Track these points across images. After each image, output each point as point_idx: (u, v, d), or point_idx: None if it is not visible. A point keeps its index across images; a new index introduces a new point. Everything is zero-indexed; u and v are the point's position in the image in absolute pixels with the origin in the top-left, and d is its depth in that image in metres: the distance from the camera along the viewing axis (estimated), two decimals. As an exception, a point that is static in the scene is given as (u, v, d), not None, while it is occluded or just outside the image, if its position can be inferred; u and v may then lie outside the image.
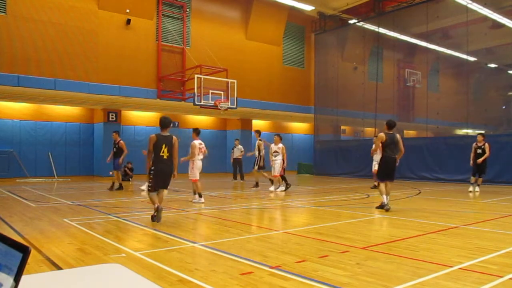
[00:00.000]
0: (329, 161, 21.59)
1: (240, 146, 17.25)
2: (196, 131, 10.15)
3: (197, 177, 9.69)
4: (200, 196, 9.55)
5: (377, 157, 10.28)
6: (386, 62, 21.50)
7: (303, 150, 25.66)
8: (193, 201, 9.62)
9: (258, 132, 14.25)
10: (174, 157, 7.05)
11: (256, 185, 13.64)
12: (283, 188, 12.52)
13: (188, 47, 18.40)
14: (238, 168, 17.31)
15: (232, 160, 17.82)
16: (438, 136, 18.55)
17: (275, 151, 12.31)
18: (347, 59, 22.35)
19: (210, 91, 15.28)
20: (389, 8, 19.78)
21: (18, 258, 0.91)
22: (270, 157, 12.76)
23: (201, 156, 9.96)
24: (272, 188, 12.56)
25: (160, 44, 17.63)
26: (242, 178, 17.10)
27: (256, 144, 13.93)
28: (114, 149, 12.97)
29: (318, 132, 22.81)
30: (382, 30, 20.15)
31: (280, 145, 12.37)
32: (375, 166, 11.75)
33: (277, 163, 12.38)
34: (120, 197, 11.09)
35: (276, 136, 12.65)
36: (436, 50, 19.53)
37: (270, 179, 12.97)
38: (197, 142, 9.84)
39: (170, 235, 5.73)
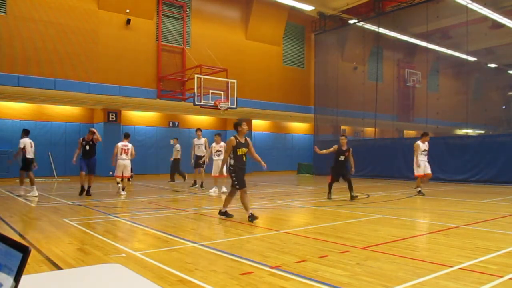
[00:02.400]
0: (329, 161, 21.56)
1: (177, 145, 16.27)
2: (125, 134, 12.35)
3: (119, 174, 11.91)
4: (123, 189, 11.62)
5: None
6: (386, 62, 21.50)
7: (303, 150, 25.66)
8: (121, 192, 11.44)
9: (200, 130, 13.70)
10: (254, 155, 7.31)
11: (194, 183, 13.98)
12: (218, 190, 12.41)
13: (188, 47, 18.40)
14: (175, 169, 16.26)
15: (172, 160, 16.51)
16: (438, 136, 18.54)
17: (218, 150, 12.06)
18: (347, 59, 22.35)
19: (210, 91, 15.28)
20: (389, 8, 19.77)
21: (18, 258, 0.91)
22: (203, 156, 13.10)
23: (124, 156, 11.84)
24: (213, 190, 12.33)
25: (160, 44, 17.63)
26: (184, 178, 16.10)
27: (203, 142, 13.30)
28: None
29: (318, 132, 22.80)
30: (382, 30, 20.15)
31: (222, 143, 12.13)
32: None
33: (220, 162, 12.20)
34: (120, 197, 11.09)
35: (216, 135, 12.57)
36: (436, 50, 19.53)
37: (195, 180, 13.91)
38: (120, 144, 11.88)
39: (170, 235, 5.73)
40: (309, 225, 6.76)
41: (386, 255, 4.54)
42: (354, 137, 23.81)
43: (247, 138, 7.27)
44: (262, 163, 7.33)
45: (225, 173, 10.62)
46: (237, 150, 7.01)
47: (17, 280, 0.89)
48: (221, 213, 7.30)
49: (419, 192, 11.05)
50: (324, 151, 11.27)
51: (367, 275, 3.74)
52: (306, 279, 3.62)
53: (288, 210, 8.87)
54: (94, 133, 11.12)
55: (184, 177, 16.22)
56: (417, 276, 3.72)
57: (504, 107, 20.22)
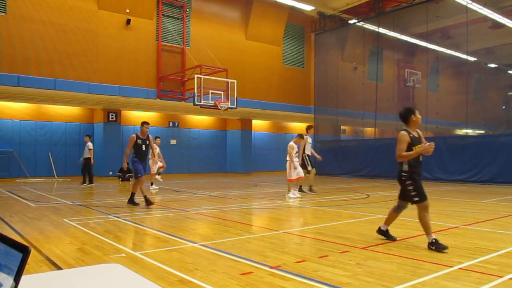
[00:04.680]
0: (329, 161, 21.57)
1: (89, 144, 14.79)
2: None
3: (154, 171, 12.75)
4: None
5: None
6: (386, 62, 21.50)
7: (303, 150, 25.63)
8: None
9: (310, 127, 13.09)
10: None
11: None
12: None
13: (188, 47, 18.40)
14: (87, 170, 14.72)
15: (83, 160, 14.93)
16: (437, 136, 18.54)
17: (298, 151, 11.93)
18: (347, 59, 22.35)
19: (210, 91, 15.27)
20: (389, 8, 19.77)
21: (18, 258, 0.91)
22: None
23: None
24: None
25: (160, 44, 17.63)
26: (91, 182, 14.70)
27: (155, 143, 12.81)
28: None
29: (318, 132, 22.78)
30: (382, 30, 20.15)
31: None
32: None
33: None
34: (120, 197, 11.09)
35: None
36: (436, 50, 19.53)
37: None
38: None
39: (170, 235, 5.73)
40: (309, 225, 6.76)
41: (386, 255, 4.54)
42: (354, 137, 23.84)
43: (419, 132, 5.42)
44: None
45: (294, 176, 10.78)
46: (412, 148, 5.14)
47: (17, 280, 0.89)
48: (380, 232, 5.50)
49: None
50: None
51: (367, 275, 3.74)
52: (306, 279, 3.62)
53: (288, 210, 8.86)
54: (148, 126, 9.51)
55: (90, 181, 14.59)
56: (417, 276, 3.72)
57: (504, 107, 20.22)
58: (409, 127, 5.30)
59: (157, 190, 12.77)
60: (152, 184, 12.97)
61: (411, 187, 5.11)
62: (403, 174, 5.20)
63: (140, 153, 9.14)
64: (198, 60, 17.08)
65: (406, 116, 5.37)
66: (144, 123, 9.44)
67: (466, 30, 17.04)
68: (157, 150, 12.99)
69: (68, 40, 15.38)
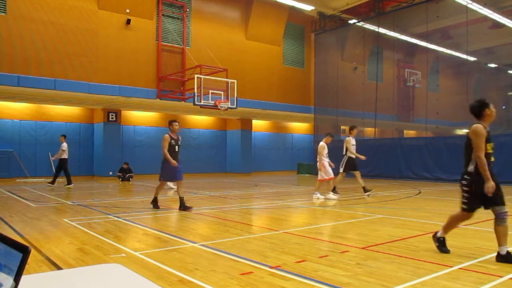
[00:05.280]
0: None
1: (64, 144, 14.17)
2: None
3: None
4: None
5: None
6: (386, 62, 21.50)
7: (303, 150, 25.66)
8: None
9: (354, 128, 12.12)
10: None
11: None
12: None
13: (188, 47, 18.40)
14: (60, 170, 14.29)
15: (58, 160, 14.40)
16: (437, 136, 18.55)
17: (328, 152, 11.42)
18: (347, 59, 22.35)
19: (210, 91, 15.27)
20: (389, 8, 19.77)
21: (18, 258, 0.91)
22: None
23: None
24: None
25: (160, 44, 17.63)
26: (56, 181, 14.45)
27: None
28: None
29: (318, 132, 22.78)
30: (382, 30, 20.15)
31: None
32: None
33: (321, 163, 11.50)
34: (120, 197, 11.09)
35: (328, 135, 11.59)
36: (436, 50, 19.53)
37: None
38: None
39: (170, 235, 5.73)
40: (309, 225, 6.76)
41: (386, 255, 4.54)
42: (354, 137, 23.80)
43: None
44: None
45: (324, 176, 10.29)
46: (487, 145, 4.46)
47: (17, 280, 0.89)
48: (436, 240, 4.73)
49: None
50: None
51: (367, 275, 3.74)
52: (306, 279, 3.62)
53: (288, 210, 8.86)
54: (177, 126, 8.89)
55: (54, 180, 14.28)
56: (417, 276, 3.72)
57: (504, 107, 20.21)
58: (484, 120, 4.55)
59: (174, 190, 12.82)
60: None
61: (467, 192, 4.48)
62: (465, 177, 4.51)
63: (174, 155, 8.52)
64: (198, 60, 17.08)
65: (479, 110, 4.57)
66: (173, 122, 8.74)
67: (466, 30, 17.04)
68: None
69: (68, 40, 15.39)
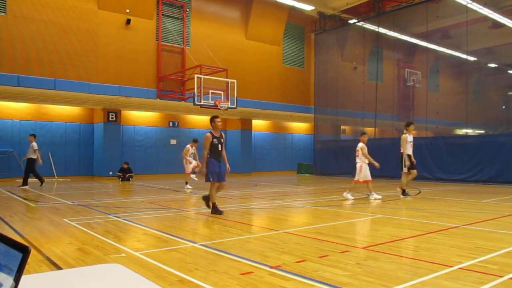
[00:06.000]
0: (329, 161, 21.60)
1: (34, 144, 13.94)
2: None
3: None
4: None
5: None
6: (386, 62, 21.50)
7: (303, 150, 25.67)
8: None
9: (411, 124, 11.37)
10: None
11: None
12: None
13: (188, 47, 18.40)
14: (31, 170, 14.02)
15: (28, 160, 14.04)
16: (437, 136, 18.55)
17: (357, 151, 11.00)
18: (347, 59, 22.35)
19: (210, 91, 15.27)
20: (389, 8, 19.77)
21: (18, 258, 0.91)
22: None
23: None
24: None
25: (160, 44, 17.63)
26: (41, 181, 14.32)
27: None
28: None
29: (318, 132, 22.81)
30: (382, 30, 20.14)
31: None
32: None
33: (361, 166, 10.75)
34: (120, 197, 11.10)
35: (362, 134, 11.06)
36: (436, 50, 19.53)
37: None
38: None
39: (170, 235, 5.73)
40: (309, 225, 6.76)
41: (386, 255, 4.54)
42: (354, 137, 23.81)
43: None
44: None
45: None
46: None
47: (17, 280, 0.89)
48: None
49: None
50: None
51: (367, 275, 3.74)
52: (306, 279, 3.62)
53: (288, 210, 8.86)
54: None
55: (35, 182, 14.10)
56: (417, 276, 3.72)
57: (504, 107, 20.22)
58: None
59: (191, 189, 12.89)
60: (186, 183, 13.48)
61: None
62: None
63: (217, 153, 7.85)
64: (198, 60, 17.08)
65: None
66: (215, 118, 8.00)
67: (466, 30, 17.04)
68: (191, 150, 13.74)
69: (68, 40, 15.39)
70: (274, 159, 24.68)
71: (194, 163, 13.80)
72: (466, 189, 13.33)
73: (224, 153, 8.04)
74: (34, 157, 13.85)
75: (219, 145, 7.90)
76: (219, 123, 8.00)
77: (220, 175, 7.83)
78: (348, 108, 21.41)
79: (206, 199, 8.03)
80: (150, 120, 20.52)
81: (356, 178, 10.36)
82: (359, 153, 10.42)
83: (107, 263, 2.58)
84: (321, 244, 5.11)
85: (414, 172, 10.52)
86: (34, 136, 14.35)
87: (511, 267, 4.01)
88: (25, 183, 13.88)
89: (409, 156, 10.41)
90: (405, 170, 10.47)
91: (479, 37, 18.31)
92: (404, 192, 10.56)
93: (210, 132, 7.97)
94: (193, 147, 13.96)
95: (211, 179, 7.75)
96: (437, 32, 19.37)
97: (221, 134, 8.10)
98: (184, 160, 13.86)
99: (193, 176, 14.22)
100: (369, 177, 10.25)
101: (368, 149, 10.52)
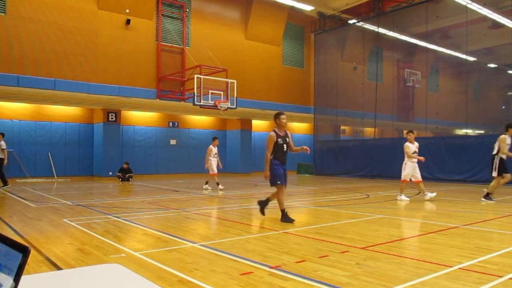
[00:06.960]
0: (329, 161, 21.61)
1: (2, 143, 13.67)
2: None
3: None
4: None
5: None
6: (386, 62, 21.50)
7: (303, 150, 25.62)
8: None
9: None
10: None
11: None
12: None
13: (188, 47, 18.40)
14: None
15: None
16: (437, 136, 18.55)
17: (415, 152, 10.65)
18: (346, 59, 22.36)
19: (210, 91, 15.28)
20: (388, 8, 19.78)
21: (18, 258, 0.90)
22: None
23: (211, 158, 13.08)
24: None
25: (160, 44, 17.63)
26: (5, 183, 13.83)
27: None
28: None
29: (318, 132, 22.81)
30: (381, 30, 20.15)
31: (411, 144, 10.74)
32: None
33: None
34: (120, 197, 11.09)
35: (409, 132, 10.80)
36: (435, 50, 19.54)
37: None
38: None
39: (170, 235, 5.73)
40: (309, 225, 6.76)
41: (386, 255, 4.54)
42: (354, 137, 23.83)
43: None
44: None
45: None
46: None
47: (17, 280, 0.89)
48: None
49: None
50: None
51: (367, 275, 3.74)
52: (306, 279, 3.62)
53: (288, 210, 8.85)
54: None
55: (4, 183, 13.73)
56: (417, 276, 3.72)
57: (504, 107, 20.21)
58: None
59: (210, 189, 12.95)
60: (218, 184, 13.32)
61: None
62: None
63: (282, 154, 6.96)
64: (198, 60, 17.08)
65: None
66: (281, 115, 7.02)
67: (466, 30, 17.04)
68: (214, 150, 13.46)
69: (68, 40, 15.38)
70: (274, 159, 24.63)
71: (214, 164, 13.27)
72: (466, 189, 13.33)
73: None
74: (2, 156, 13.59)
75: (284, 145, 6.96)
76: (284, 120, 7.01)
77: (285, 178, 6.99)
78: (348, 108, 21.41)
79: (263, 204, 7.28)
80: (150, 120, 20.52)
81: (402, 178, 10.27)
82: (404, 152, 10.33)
83: (107, 263, 2.58)
84: (321, 244, 5.11)
85: (508, 176, 9.46)
86: (3, 134, 14.04)
87: (511, 267, 4.01)
88: (5, 183, 13.63)
89: (503, 160, 9.40)
90: (494, 174, 9.49)
91: (478, 37, 18.31)
92: (487, 196, 9.68)
93: (274, 131, 6.98)
94: (215, 146, 13.46)
95: (278, 182, 6.86)
96: (436, 32, 19.38)
97: (287, 133, 7.10)
98: (207, 161, 13.27)
99: (206, 186, 13.41)
100: (417, 177, 10.08)
101: (418, 148, 10.28)
